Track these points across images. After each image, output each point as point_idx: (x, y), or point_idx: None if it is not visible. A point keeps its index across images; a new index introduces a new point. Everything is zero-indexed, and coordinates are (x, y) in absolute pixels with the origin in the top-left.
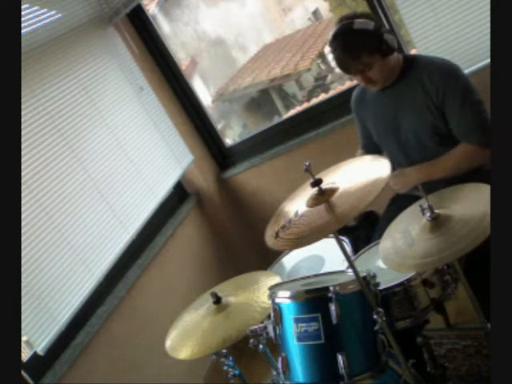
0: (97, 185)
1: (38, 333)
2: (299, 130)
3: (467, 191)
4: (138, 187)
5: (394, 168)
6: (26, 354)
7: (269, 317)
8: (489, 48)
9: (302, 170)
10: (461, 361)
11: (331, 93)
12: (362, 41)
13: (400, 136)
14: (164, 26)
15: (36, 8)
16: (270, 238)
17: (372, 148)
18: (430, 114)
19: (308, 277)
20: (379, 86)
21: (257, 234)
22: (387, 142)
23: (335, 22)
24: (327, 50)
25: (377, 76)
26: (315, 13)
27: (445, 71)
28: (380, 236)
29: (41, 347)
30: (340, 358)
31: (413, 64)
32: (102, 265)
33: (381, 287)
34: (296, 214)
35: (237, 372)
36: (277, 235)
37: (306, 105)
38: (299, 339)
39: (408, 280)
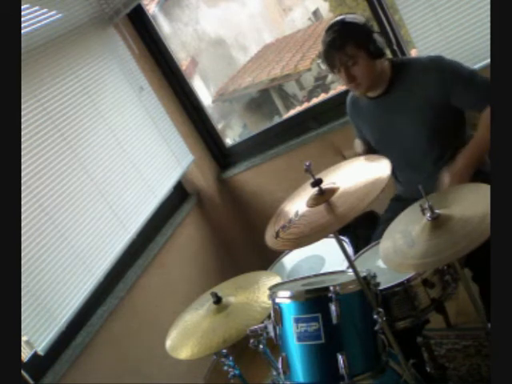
0: (97, 185)
1: (38, 333)
2: (299, 130)
3: (467, 191)
4: (138, 187)
5: (394, 173)
6: (26, 354)
7: (269, 317)
8: (489, 48)
9: (302, 170)
10: (461, 361)
11: (331, 93)
12: (349, 31)
13: (399, 142)
14: (164, 26)
15: (36, 8)
16: (270, 238)
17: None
18: (431, 112)
19: (308, 277)
20: (362, 90)
21: (257, 233)
22: (386, 148)
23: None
24: None
25: (361, 75)
26: (315, 13)
27: (436, 65)
28: (380, 236)
29: (41, 347)
30: (340, 358)
31: (403, 69)
32: (102, 265)
33: (381, 287)
34: (296, 214)
35: (237, 372)
36: (277, 235)
37: (306, 105)
38: (299, 339)
39: (408, 280)
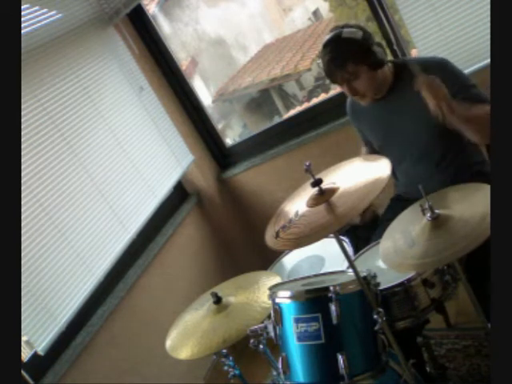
0: (97, 185)
1: (38, 333)
2: (299, 130)
3: (467, 191)
4: (138, 187)
5: (395, 173)
6: (26, 354)
7: (269, 317)
8: (489, 48)
9: (302, 170)
10: (461, 361)
11: (331, 93)
12: (348, 49)
13: (400, 142)
14: (164, 26)
15: (36, 8)
16: (270, 238)
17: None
18: (431, 113)
19: (308, 277)
20: (367, 100)
21: (257, 233)
22: (387, 149)
23: (328, 32)
24: None
25: (363, 88)
26: (315, 13)
27: (439, 68)
28: (380, 236)
29: (41, 347)
30: (340, 358)
31: (404, 70)
32: (102, 265)
33: (381, 287)
34: (296, 214)
35: (237, 372)
36: (277, 235)
37: (306, 105)
38: (299, 339)
39: (408, 280)
